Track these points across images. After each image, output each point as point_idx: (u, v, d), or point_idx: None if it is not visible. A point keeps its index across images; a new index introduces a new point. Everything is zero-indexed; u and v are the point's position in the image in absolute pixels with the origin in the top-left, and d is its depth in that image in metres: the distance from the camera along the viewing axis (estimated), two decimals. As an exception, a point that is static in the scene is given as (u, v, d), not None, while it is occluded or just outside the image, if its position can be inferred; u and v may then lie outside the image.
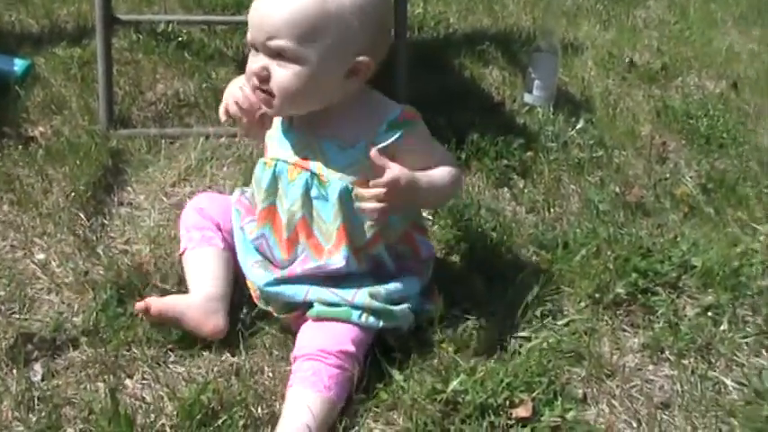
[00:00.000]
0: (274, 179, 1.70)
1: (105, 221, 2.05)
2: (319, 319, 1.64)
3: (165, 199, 2.16)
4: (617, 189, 2.35)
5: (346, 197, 1.65)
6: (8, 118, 2.42)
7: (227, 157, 2.32)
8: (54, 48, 2.89)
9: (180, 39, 3.02)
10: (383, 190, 1.59)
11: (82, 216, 2.03)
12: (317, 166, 1.66)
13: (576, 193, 2.33)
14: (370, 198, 1.60)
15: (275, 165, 1.70)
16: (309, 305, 1.67)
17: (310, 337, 1.62)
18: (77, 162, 2.22)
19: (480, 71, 3.05)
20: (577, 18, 3.77)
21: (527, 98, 2.81)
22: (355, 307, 1.65)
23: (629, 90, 3.05)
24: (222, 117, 1.71)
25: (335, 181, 1.65)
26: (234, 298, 1.76)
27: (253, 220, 1.76)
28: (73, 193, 2.10)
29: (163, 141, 2.40)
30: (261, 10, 1.59)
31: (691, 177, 2.47)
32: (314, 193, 1.67)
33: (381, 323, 1.66)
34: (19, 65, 2.68)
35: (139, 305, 1.68)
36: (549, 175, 2.37)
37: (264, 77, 1.59)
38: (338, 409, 1.55)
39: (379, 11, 1.63)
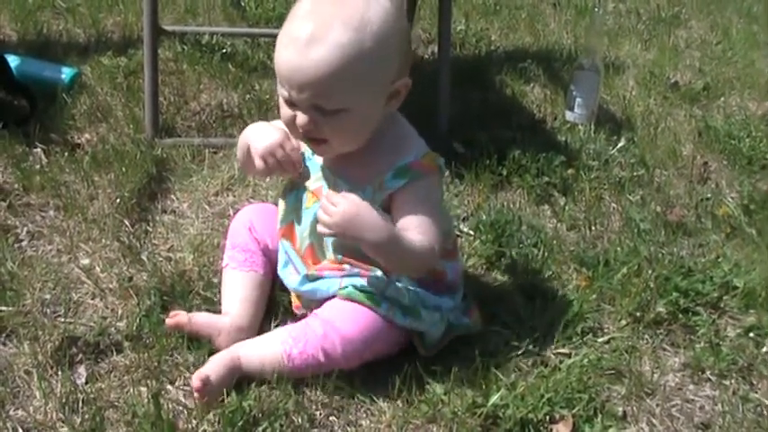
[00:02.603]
0: (297, 200, 1.71)
1: (149, 228, 2.07)
2: (348, 298, 1.64)
3: (208, 208, 2.18)
4: (658, 208, 2.34)
5: None
6: (55, 125, 2.45)
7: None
8: (100, 57, 2.92)
9: (224, 50, 3.05)
10: (334, 212, 1.54)
11: (126, 223, 2.06)
12: None
13: (617, 212, 2.32)
14: (322, 218, 1.55)
15: (298, 188, 1.71)
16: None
17: (330, 307, 1.65)
18: (123, 169, 2.24)
19: (522, 88, 3.05)
20: (619, 38, 3.77)
21: (568, 116, 2.81)
22: (385, 297, 1.64)
23: (671, 110, 3.04)
24: (260, 166, 1.64)
25: None
26: (278, 306, 1.79)
27: None
28: (118, 200, 2.13)
29: (206, 151, 2.42)
30: (294, 72, 1.53)
31: (732, 198, 2.46)
32: None
33: (406, 321, 1.65)
34: (66, 73, 2.72)
35: (170, 322, 1.69)
36: (590, 192, 2.36)
37: (312, 130, 1.57)
38: (286, 374, 1.59)
39: (400, 27, 1.59)
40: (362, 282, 1.65)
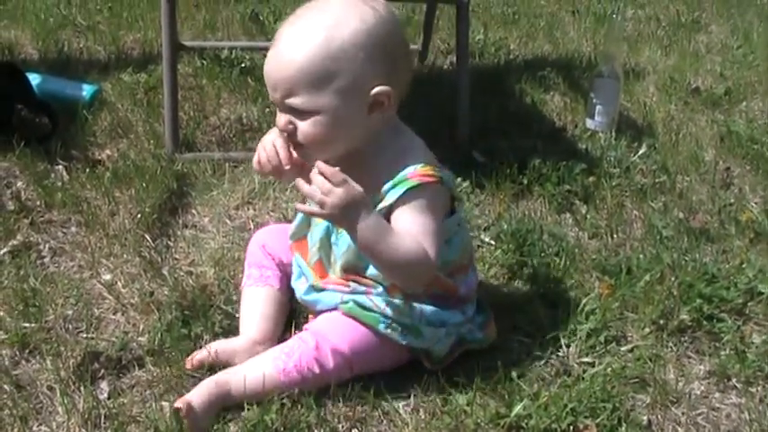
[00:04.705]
0: (306, 217, 1.73)
1: (170, 243, 2.08)
2: (348, 314, 1.65)
3: (228, 222, 2.18)
4: (680, 215, 2.32)
5: (355, 249, 1.61)
6: (76, 141, 2.48)
7: (289, 181, 2.31)
8: (120, 73, 2.95)
9: (243, 65, 3.07)
10: (335, 192, 1.50)
11: (147, 238, 2.06)
12: None
13: (639, 219, 2.31)
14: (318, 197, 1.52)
15: (309, 204, 1.68)
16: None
17: (326, 320, 1.66)
18: (143, 185, 2.25)
19: (541, 97, 3.04)
20: (638, 44, 3.75)
21: (589, 123, 2.80)
22: (385, 316, 1.64)
23: (692, 115, 3.01)
24: (255, 167, 1.71)
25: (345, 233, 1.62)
26: (300, 322, 1.78)
27: None
28: (139, 216, 2.14)
29: (227, 165, 2.42)
30: (270, 71, 1.59)
31: (756, 203, 2.43)
32: (333, 238, 1.68)
33: (405, 341, 1.64)
34: (87, 90, 2.74)
35: (193, 364, 1.67)
36: (612, 200, 2.35)
37: (291, 131, 1.59)
38: (282, 389, 1.58)
39: (381, 35, 1.57)
40: (365, 299, 1.66)
